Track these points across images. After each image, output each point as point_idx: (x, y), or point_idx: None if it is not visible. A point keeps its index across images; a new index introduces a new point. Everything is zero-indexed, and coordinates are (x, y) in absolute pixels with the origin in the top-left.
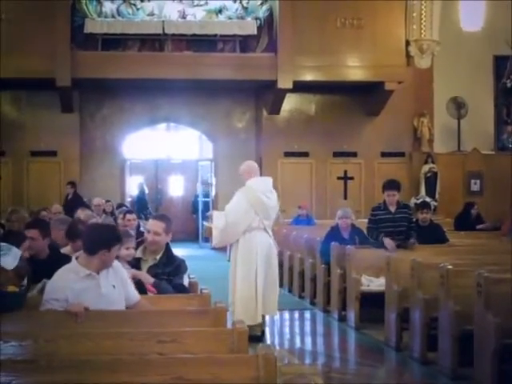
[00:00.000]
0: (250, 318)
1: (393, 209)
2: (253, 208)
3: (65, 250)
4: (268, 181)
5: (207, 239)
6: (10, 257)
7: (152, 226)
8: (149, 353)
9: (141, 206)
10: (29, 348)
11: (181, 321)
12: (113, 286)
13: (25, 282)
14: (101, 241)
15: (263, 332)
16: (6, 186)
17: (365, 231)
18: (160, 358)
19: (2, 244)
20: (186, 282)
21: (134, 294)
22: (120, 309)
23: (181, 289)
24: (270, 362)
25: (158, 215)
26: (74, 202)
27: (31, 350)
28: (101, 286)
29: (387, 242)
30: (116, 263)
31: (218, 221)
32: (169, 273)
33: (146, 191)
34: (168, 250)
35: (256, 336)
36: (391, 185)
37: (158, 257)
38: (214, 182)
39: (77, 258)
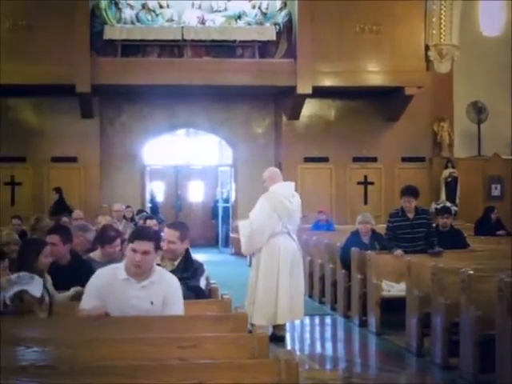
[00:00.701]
0: (268, 319)
1: (411, 215)
2: (276, 213)
3: (94, 255)
4: (290, 185)
5: (227, 245)
6: (35, 285)
7: (166, 234)
8: (169, 358)
9: (152, 212)
10: (51, 353)
11: (201, 326)
12: (151, 302)
13: (45, 304)
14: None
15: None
16: (26, 192)
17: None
18: (180, 363)
19: (23, 273)
20: (202, 283)
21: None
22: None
23: (196, 290)
24: (291, 367)
25: (173, 223)
26: (58, 208)
27: (53, 355)
28: (133, 295)
29: (396, 253)
30: (168, 282)
31: (244, 229)
32: (186, 277)
33: (160, 198)
34: (187, 255)
35: (278, 336)
36: (408, 191)
37: (176, 262)
38: (233, 188)
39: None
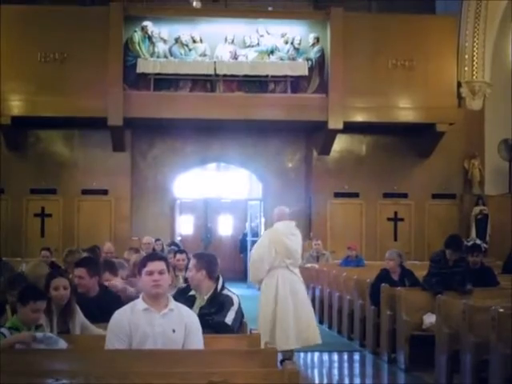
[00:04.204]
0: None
1: (451, 263)
2: (274, 247)
3: None
4: (291, 224)
5: None
6: (61, 345)
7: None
8: None
9: None
10: None
11: (231, 361)
12: (173, 330)
13: None
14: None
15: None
16: (56, 223)
17: (414, 273)
18: None
19: (50, 334)
20: (229, 318)
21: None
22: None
23: (216, 327)
24: None
25: (196, 253)
26: None
27: None
28: (155, 324)
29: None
30: (187, 311)
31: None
32: (213, 312)
33: (189, 231)
34: (215, 288)
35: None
36: (456, 247)
37: (206, 297)
38: (262, 222)
39: (143, 296)
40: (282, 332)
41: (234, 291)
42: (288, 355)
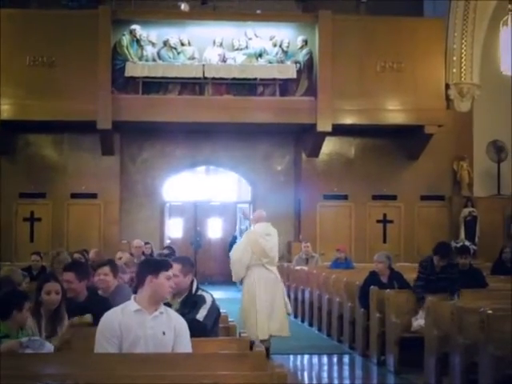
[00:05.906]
0: (251, 335)
1: (438, 269)
2: (250, 248)
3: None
4: (267, 225)
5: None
6: (47, 348)
7: None
8: None
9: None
10: None
11: (221, 364)
12: (163, 332)
13: None
14: (147, 268)
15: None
16: (45, 227)
17: (404, 275)
18: None
19: (35, 338)
20: (201, 315)
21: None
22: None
23: (191, 324)
24: None
25: (175, 258)
26: None
27: None
28: (147, 326)
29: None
30: (175, 314)
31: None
32: (187, 312)
33: (179, 234)
34: (190, 290)
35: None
36: (444, 253)
37: (179, 300)
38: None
39: (135, 297)
40: (260, 323)
41: (224, 294)
42: (266, 344)
